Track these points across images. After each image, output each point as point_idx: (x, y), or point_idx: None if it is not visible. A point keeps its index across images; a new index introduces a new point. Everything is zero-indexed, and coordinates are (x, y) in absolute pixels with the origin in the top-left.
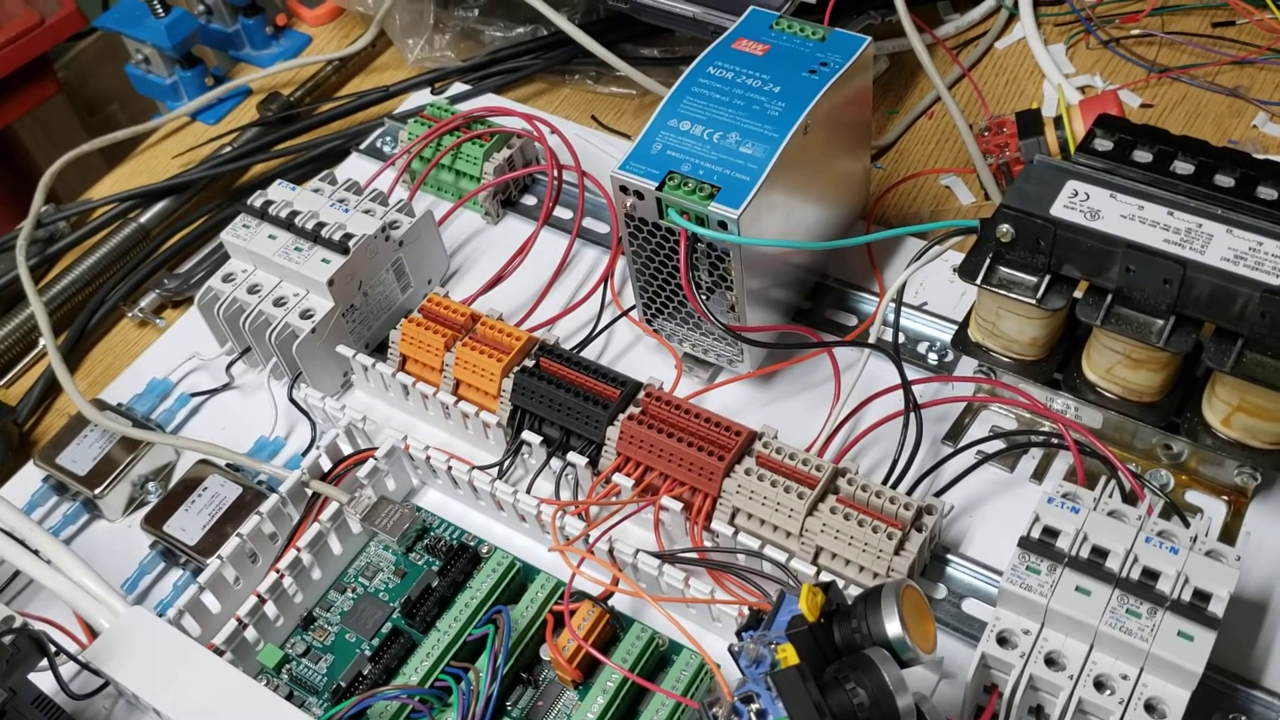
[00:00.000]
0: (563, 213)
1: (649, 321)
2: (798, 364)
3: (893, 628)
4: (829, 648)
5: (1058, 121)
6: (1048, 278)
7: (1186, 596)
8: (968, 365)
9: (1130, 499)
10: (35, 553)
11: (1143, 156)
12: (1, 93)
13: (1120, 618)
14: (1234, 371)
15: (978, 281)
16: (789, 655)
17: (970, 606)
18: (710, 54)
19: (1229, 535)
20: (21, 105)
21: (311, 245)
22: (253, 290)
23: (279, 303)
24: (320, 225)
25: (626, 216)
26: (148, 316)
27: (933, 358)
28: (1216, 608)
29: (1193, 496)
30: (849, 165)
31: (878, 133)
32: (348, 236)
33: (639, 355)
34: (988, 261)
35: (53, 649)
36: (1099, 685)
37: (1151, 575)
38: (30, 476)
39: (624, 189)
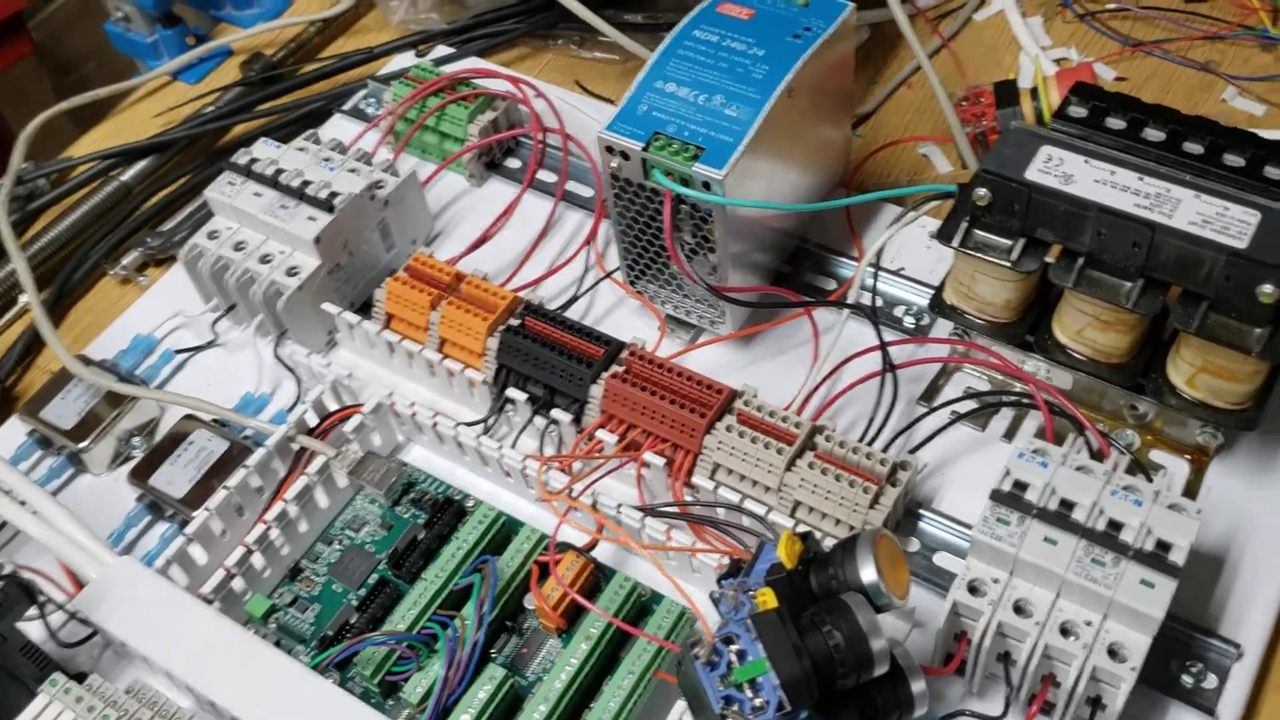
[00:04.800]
0: (546, 176)
1: (632, 283)
2: (777, 326)
3: (868, 574)
4: (806, 594)
5: (1034, 92)
6: (1022, 241)
7: (1149, 546)
8: (943, 329)
9: (1098, 457)
10: (21, 503)
11: (1115, 124)
12: None
13: (1085, 566)
14: (1199, 332)
15: (954, 244)
16: (768, 599)
17: (942, 559)
18: (696, 17)
19: (1191, 493)
20: None
21: (297, 203)
22: (238, 247)
23: (264, 260)
24: (306, 183)
25: (612, 177)
26: (130, 274)
27: (909, 321)
28: (1177, 557)
29: (1157, 456)
30: (830, 132)
31: (858, 102)
32: (333, 195)
33: (622, 317)
34: (964, 225)
35: (41, 597)
36: (1064, 631)
37: (1116, 526)
38: (14, 431)
39: (610, 149)
